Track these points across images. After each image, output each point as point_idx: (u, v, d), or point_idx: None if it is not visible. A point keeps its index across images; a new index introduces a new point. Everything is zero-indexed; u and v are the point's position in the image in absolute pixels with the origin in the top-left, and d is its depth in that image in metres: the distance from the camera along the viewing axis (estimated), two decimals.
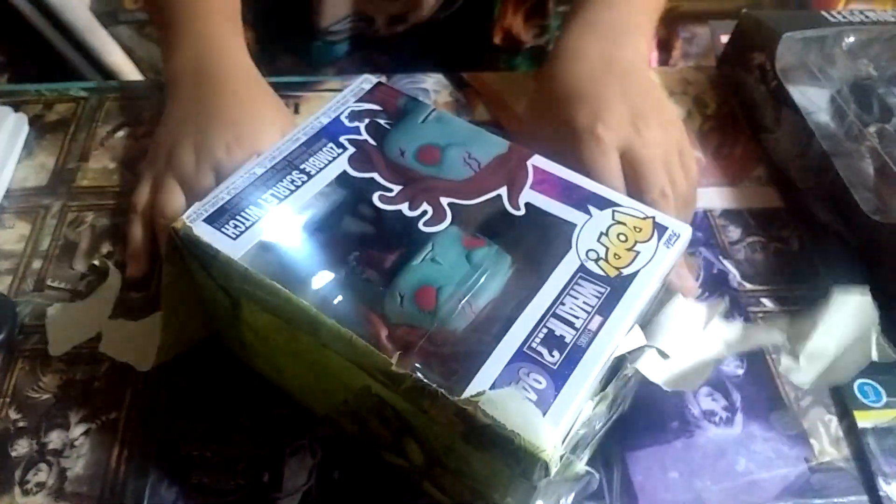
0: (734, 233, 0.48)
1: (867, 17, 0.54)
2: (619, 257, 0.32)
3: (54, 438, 0.37)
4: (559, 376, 0.27)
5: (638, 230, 0.33)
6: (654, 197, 0.39)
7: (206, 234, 0.32)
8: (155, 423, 0.38)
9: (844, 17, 0.53)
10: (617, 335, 0.29)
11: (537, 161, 0.36)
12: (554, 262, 0.31)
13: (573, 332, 0.29)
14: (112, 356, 0.41)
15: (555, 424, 0.26)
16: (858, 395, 0.40)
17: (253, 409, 0.39)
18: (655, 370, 0.33)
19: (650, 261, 0.31)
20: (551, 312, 0.29)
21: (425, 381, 0.27)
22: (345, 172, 0.35)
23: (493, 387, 0.27)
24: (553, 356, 0.28)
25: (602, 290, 0.30)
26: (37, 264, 0.45)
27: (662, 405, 0.39)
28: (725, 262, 0.46)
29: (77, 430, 0.38)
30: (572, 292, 0.30)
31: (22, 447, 0.37)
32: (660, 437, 0.38)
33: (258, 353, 0.38)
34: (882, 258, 0.43)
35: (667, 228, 0.33)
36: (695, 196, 0.43)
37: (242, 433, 0.38)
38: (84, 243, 0.46)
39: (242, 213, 0.33)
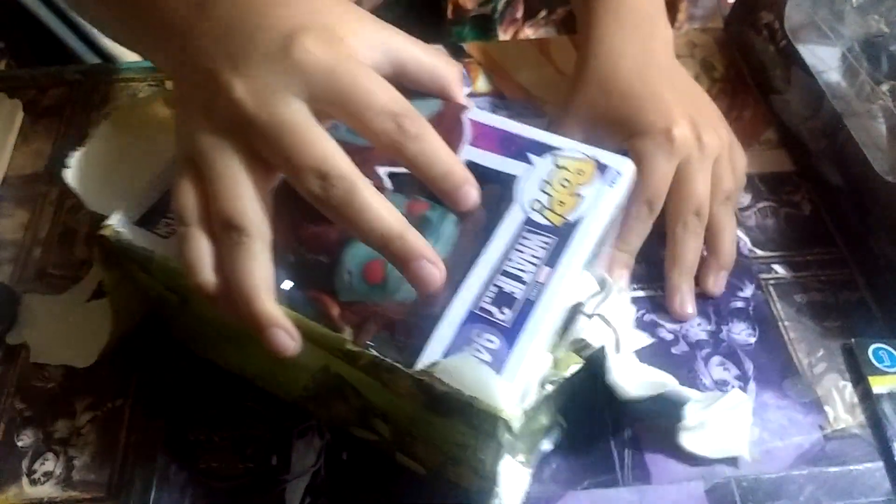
0: (744, 198, 0.47)
1: None
2: (563, 204, 0.31)
3: (60, 427, 0.37)
4: (511, 333, 0.27)
5: (580, 173, 0.32)
6: (687, 219, 0.40)
7: (138, 237, 0.32)
8: (161, 409, 0.38)
9: None
10: (566, 284, 0.29)
11: (473, 114, 0.34)
12: (498, 217, 0.31)
13: (522, 286, 0.29)
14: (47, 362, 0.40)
15: (511, 382, 0.26)
16: (873, 360, 0.39)
17: (259, 393, 0.38)
18: (613, 366, 0.33)
19: (594, 203, 0.31)
20: (499, 270, 0.29)
21: (380, 356, 0.27)
22: None
23: (447, 352, 0.27)
24: (504, 314, 0.28)
25: (549, 240, 0.30)
26: (37, 252, 0.45)
27: (674, 377, 0.39)
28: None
29: (83, 419, 0.38)
30: (519, 246, 0.30)
31: (28, 437, 0.37)
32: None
33: (215, 345, 0.37)
34: (893, 218, 0.41)
35: (607, 167, 0.32)
36: (738, 191, 0.44)
37: (249, 416, 0.37)
38: (84, 229, 0.46)
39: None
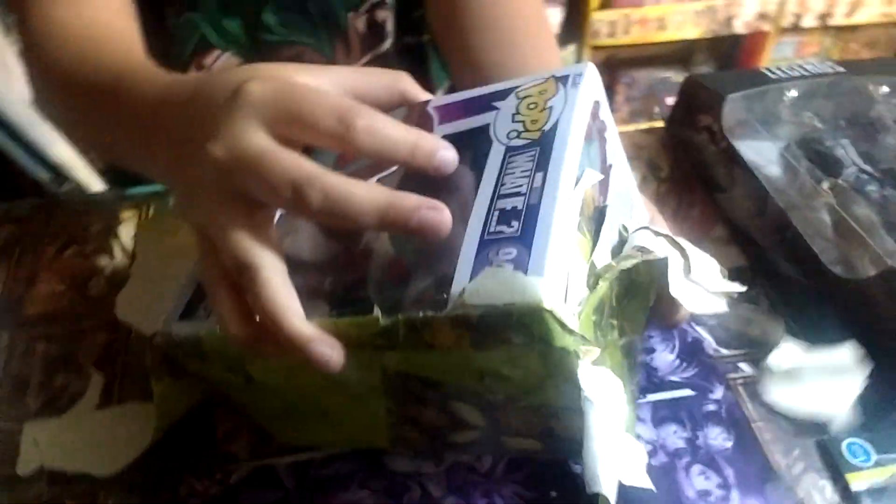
0: None
1: (806, 70, 0.55)
2: (536, 121, 0.31)
3: None
4: (525, 237, 0.27)
5: (543, 92, 0.32)
6: None
7: (183, 328, 0.33)
8: None
9: (784, 72, 0.55)
10: (564, 178, 0.28)
11: (436, 101, 0.35)
12: (482, 162, 0.31)
13: (522, 198, 0.28)
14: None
15: (540, 275, 0.25)
16: (847, 456, 0.39)
17: None
18: (676, 279, 0.32)
19: (564, 106, 0.31)
20: (496, 196, 0.29)
21: (412, 314, 0.27)
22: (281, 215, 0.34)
23: (469, 280, 0.26)
24: (513, 226, 0.28)
25: (532, 152, 0.30)
26: None
27: (656, 492, 0.38)
28: (699, 329, 0.46)
29: None
30: (507, 171, 0.30)
31: None
32: None
33: (298, 414, 0.37)
34: (848, 311, 0.43)
35: (566, 76, 0.32)
36: None
37: None
38: (36, 377, 0.44)
39: None
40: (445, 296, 0.27)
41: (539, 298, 0.25)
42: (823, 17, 1.83)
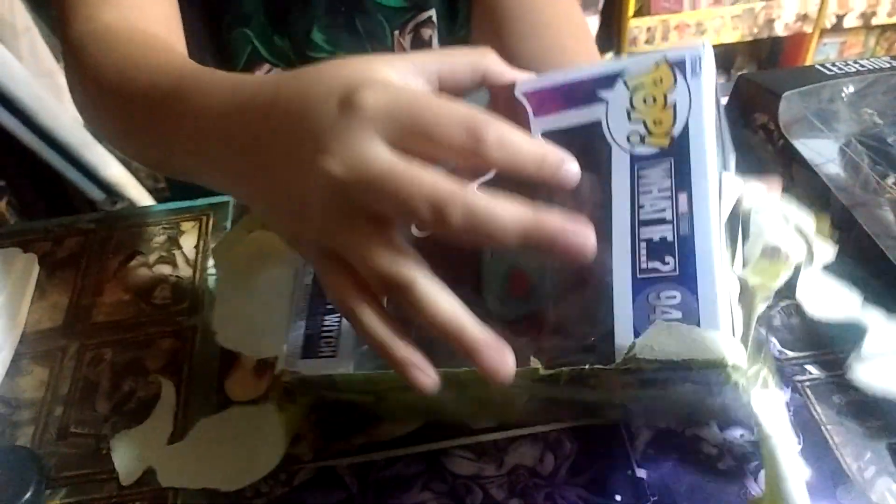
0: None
1: (862, 65, 0.54)
2: (660, 122, 0.28)
3: None
4: (687, 279, 0.25)
5: (659, 82, 0.29)
6: None
7: (313, 368, 0.32)
8: None
9: (840, 68, 0.54)
10: (710, 198, 0.26)
11: (524, 87, 0.32)
12: (606, 172, 0.28)
13: (669, 226, 0.26)
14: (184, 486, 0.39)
15: (716, 328, 0.24)
16: None
17: None
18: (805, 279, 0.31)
19: (690, 103, 0.28)
20: (637, 221, 0.27)
21: (578, 367, 0.26)
22: None
23: (636, 330, 0.25)
24: (668, 263, 0.26)
25: (666, 164, 0.27)
26: (58, 411, 0.44)
27: (721, 494, 0.37)
28: (762, 331, 0.45)
29: None
30: (642, 189, 0.27)
31: None
32: None
33: (420, 411, 0.38)
34: None
35: (683, 60, 0.29)
36: None
37: None
38: (105, 383, 0.45)
39: (324, 329, 0.33)
40: (609, 348, 0.26)
41: (721, 355, 0.24)
42: (866, 16, 1.80)
